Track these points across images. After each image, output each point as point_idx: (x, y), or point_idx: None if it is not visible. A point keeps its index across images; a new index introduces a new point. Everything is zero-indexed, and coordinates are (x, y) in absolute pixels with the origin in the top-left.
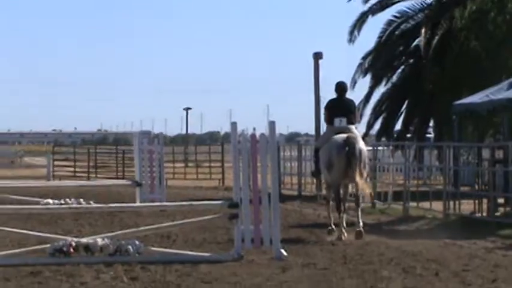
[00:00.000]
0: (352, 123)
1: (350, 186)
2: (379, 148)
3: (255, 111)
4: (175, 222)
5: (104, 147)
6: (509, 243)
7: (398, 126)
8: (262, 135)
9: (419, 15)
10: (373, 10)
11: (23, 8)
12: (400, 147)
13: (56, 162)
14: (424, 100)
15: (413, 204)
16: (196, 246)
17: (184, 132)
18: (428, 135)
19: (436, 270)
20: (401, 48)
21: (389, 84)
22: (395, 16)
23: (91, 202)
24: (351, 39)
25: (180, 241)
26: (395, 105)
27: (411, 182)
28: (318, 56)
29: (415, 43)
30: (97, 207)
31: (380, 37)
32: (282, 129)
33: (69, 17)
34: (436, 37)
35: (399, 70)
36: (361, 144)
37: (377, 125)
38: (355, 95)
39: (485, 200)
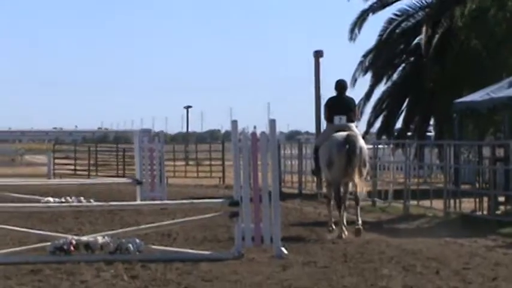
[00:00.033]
0: (352, 121)
1: (350, 185)
2: (380, 146)
3: (255, 109)
4: (175, 221)
5: (105, 146)
6: (509, 242)
7: (399, 124)
8: (262, 133)
9: (419, 14)
10: (374, 8)
11: (25, 8)
12: (401, 145)
13: (56, 161)
14: (425, 98)
15: (413, 202)
16: (196, 244)
17: (184, 130)
18: (428, 134)
19: (436, 269)
20: (402, 47)
21: (389, 83)
22: (395, 14)
23: (91, 200)
24: (352, 37)
25: (180, 239)
26: (396, 104)
27: (412, 180)
28: (318, 54)
29: (415, 41)
30: (97, 206)
31: (381, 35)
32: (282, 127)
33: (69, 17)
34: (437, 35)
35: (400, 68)
36: (361, 142)
37: (377, 123)
38: (356, 93)
39: (485, 198)
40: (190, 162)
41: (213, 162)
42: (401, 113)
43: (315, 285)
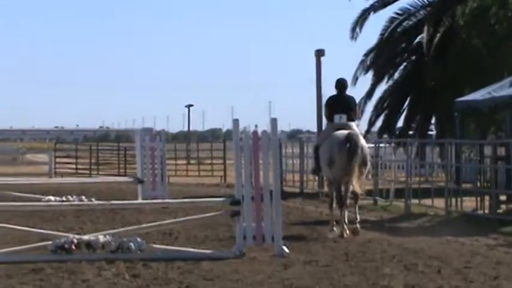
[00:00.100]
0: (353, 120)
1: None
2: (381, 145)
3: (257, 108)
4: (177, 220)
5: (106, 144)
6: (511, 241)
7: (400, 123)
8: (264, 132)
9: (421, 12)
10: (375, 7)
11: (25, 7)
12: (402, 144)
13: (57, 159)
14: (426, 97)
15: (415, 201)
16: (198, 243)
17: (186, 129)
18: (430, 133)
19: (438, 268)
20: (403, 45)
21: (391, 81)
22: (397, 13)
23: (93, 199)
24: (353, 36)
25: (182, 238)
26: (397, 102)
27: (413, 179)
28: (320, 53)
29: (417, 40)
30: (99, 205)
31: (382, 34)
32: (284, 126)
33: (70, 17)
34: (438, 34)
35: (401, 67)
36: (362, 141)
37: (379, 122)
38: (357, 92)
39: (487, 197)
40: (192, 161)
41: (214, 161)
42: (403, 111)
43: (317, 284)
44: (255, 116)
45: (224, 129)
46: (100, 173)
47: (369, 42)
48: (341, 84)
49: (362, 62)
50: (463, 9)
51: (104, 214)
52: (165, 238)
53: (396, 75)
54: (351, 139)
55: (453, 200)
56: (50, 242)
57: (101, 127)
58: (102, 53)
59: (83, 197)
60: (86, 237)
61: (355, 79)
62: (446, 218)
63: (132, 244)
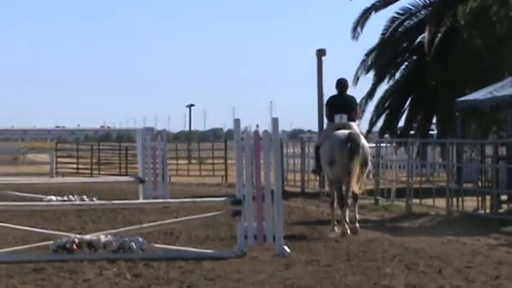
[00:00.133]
0: (353, 120)
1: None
2: (382, 145)
3: (258, 107)
4: (178, 219)
5: (107, 144)
6: None
7: (401, 123)
8: (265, 132)
9: (422, 12)
10: (376, 7)
11: (28, 8)
12: (403, 144)
13: (59, 159)
14: (427, 97)
15: (416, 201)
16: (199, 243)
17: (187, 129)
18: (431, 132)
19: (439, 267)
20: (404, 45)
21: (392, 81)
22: (398, 13)
23: (94, 199)
24: (354, 35)
25: (183, 238)
26: (398, 102)
27: (414, 178)
28: (321, 52)
29: (418, 40)
30: (100, 204)
31: (383, 34)
32: (285, 126)
33: (71, 16)
34: (439, 34)
35: (402, 67)
36: (363, 141)
37: (380, 122)
38: (358, 92)
39: (488, 197)
40: (193, 161)
41: (215, 161)
42: (404, 111)
43: (318, 284)
44: (256, 115)
45: (225, 129)
46: (101, 172)
47: (370, 42)
48: (342, 84)
49: (363, 61)
50: (464, 8)
51: (105, 214)
52: (166, 238)
53: (397, 75)
54: (352, 139)
55: (454, 199)
56: (51, 242)
57: (102, 127)
58: (103, 52)
59: (84, 197)
60: (87, 236)
61: (356, 79)
62: (448, 217)
63: (133, 244)
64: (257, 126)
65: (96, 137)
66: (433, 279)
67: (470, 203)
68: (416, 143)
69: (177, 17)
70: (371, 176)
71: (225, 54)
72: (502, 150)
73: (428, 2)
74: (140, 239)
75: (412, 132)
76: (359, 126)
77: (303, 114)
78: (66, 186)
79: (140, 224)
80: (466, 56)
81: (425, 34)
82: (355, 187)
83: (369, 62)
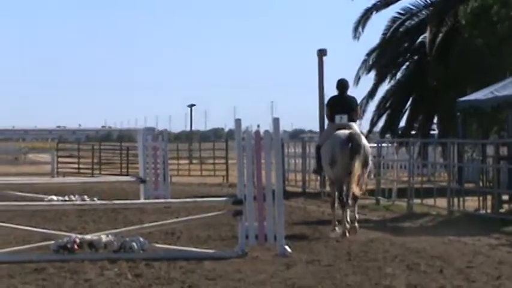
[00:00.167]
0: (353, 120)
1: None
2: (384, 145)
3: (259, 107)
4: (179, 219)
5: (108, 144)
6: None
7: (402, 123)
8: (266, 132)
9: (423, 12)
10: (377, 7)
11: (28, 7)
12: (405, 144)
13: (60, 159)
14: (429, 97)
15: (417, 201)
16: (200, 243)
17: (188, 129)
18: (432, 132)
19: (440, 267)
20: (405, 45)
21: (393, 81)
22: (399, 13)
23: (95, 199)
24: (356, 35)
25: (184, 238)
26: (399, 102)
27: (415, 178)
28: (322, 52)
29: (419, 40)
30: (101, 204)
31: (384, 34)
32: (286, 126)
33: (72, 16)
34: (441, 34)
35: (403, 67)
36: (364, 141)
37: (381, 122)
38: (359, 92)
39: (489, 197)
40: (194, 161)
41: (216, 161)
42: (405, 111)
43: (319, 284)
44: (257, 115)
45: (226, 129)
46: (102, 172)
47: (372, 42)
48: (342, 85)
49: (364, 61)
50: (465, 8)
51: (106, 214)
52: (167, 238)
53: (398, 75)
54: (352, 139)
55: (455, 199)
56: (52, 242)
57: (103, 127)
58: (104, 52)
59: (85, 197)
60: (88, 236)
61: (358, 79)
62: (449, 217)
63: (134, 244)
64: (258, 126)
65: (97, 136)
66: (434, 279)
67: (471, 203)
68: (418, 143)
69: (178, 17)
70: (372, 176)
71: (226, 54)
72: (503, 150)
73: (429, 2)
74: (141, 239)
75: (413, 132)
76: (360, 126)
77: (304, 114)
78: (67, 186)
79: (141, 224)
80: (467, 56)
81: (427, 34)
82: (355, 189)
83: (370, 62)
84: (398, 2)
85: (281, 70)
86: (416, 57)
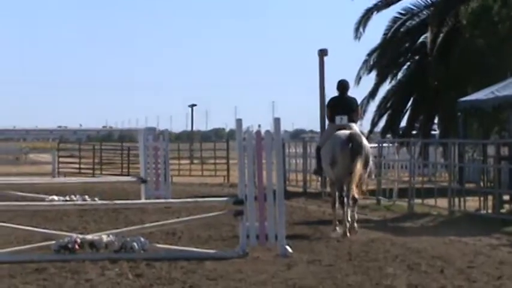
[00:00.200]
0: (354, 121)
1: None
2: (384, 145)
3: (260, 108)
4: (180, 219)
5: (109, 144)
6: None
7: (403, 123)
8: (267, 132)
9: (424, 12)
10: (378, 7)
11: (29, 7)
12: (405, 144)
13: (61, 159)
14: (430, 97)
15: (418, 201)
16: (201, 243)
17: (189, 129)
18: (433, 132)
19: (441, 267)
20: (406, 45)
21: (394, 81)
22: (400, 13)
23: (96, 199)
24: (357, 35)
25: (185, 238)
26: (400, 102)
27: (416, 178)
28: (323, 52)
29: (420, 40)
30: (102, 204)
31: (385, 34)
32: (287, 126)
33: (72, 15)
34: (441, 34)
35: (404, 67)
36: (364, 141)
37: (382, 122)
38: (360, 92)
39: (490, 197)
40: (195, 161)
41: (217, 161)
42: (406, 111)
43: (320, 284)
44: (258, 115)
45: (227, 129)
46: (103, 172)
47: (372, 42)
48: (342, 86)
49: (365, 61)
50: (466, 8)
51: (107, 214)
52: (168, 238)
53: (399, 75)
54: (353, 139)
55: (456, 199)
56: (53, 242)
57: (104, 127)
58: (105, 52)
59: (86, 197)
60: (89, 236)
61: (359, 79)
62: (450, 217)
63: (135, 244)
64: (259, 126)
65: (98, 136)
66: (435, 279)
67: (472, 203)
68: (418, 143)
69: (180, 17)
70: (373, 176)
71: (227, 54)
72: (504, 150)
73: (430, 2)
74: (142, 239)
75: (414, 132)
76: (361, 127)
77: (305, 114)
78: (68, 186)
79: (142, 224)
80: (468, 56)
81: (427, 34)
82: (354, 191)
83: (371, 62)
84: (399, 2)
85: (282, 70)
86: (417, 57)
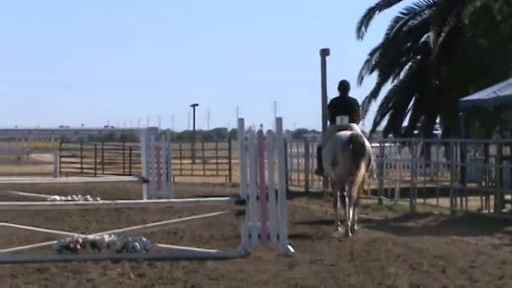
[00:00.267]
0: (354, 122)
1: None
2: (386, 144)
3: (262, 107)
4: (182, 219)
5: (111, 144)
6: None
7: (405, 122)
8: (269, 131)
9: (426, 12)
10: (380, 6)
11: (29, 7)
12: (407, 143)
13: (63, 159)
14: (431, 96)
15: (420, 200)
16: (203, 242)
17: (191, 128)
18: (435, 132)
19: (443, 267)
20: (408, 45)
21: (396, 81)
22: (402, 13)
23: (98, 198)
24: (359, 35)
25: (187, 238)
26: (402, 102)
27: (418, 178)
28: (325, 52)
29: (422, 40)
30: (104, 204)
31: (387, 34)
32: (289, 125)
33: (72, 15)
34: (443, 34)
35: (406, 67)
36: (365, 141)
37: (384, 122)
38: (362, 92)
39: (492, 197)
40: (197, 161)
41: (219, 161)
42: (408, 111)
43: (322, 284)
44: (260, 115)
45: (229, 129)
46: (105, 172)
47: (375, 42)
48: (343, 86)
49: (367, 61)
50: (468, 8)
51: (109, 213)
52: (170, 237)
53: (401, 74)
54: (354, 139)
55: (458, 199)
56: (55, 242)
57: (106, 126)
58: (107, 52)
59: (88, 197)
60: (91, 236)
61: (361, 78)
62: (451, 217)
63: (137, 243)
64: (261, 125)
65: (100, 136)
66: (437, 279)
67: (474, 203)
68: (420, 142)
69: (181, 16)
70: (375, 176)
71: (229, 53)
72: (506, 150)
73: (432, 1)
74: (144, 239)
75: (416, 131)
76: (363, 126)
77: (306, 114)
78: (70, 186)
79: (144, 223)
80: (470, 55)
81: (430, 34)
82: (354, 192)
83: (373, 62)
84: (401, 2)
85: (284, 70)
86: (419, 57)
